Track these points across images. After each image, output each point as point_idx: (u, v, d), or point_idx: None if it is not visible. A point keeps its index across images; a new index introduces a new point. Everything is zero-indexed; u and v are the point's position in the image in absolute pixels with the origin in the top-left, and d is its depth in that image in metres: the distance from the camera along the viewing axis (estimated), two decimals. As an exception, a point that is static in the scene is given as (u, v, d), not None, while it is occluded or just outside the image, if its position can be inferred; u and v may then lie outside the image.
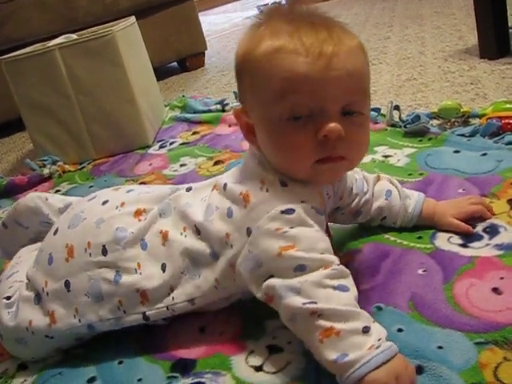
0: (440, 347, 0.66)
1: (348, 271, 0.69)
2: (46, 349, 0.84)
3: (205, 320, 0.81)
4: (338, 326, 0.62)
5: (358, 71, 0.71)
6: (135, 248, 0.80)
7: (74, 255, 0.82)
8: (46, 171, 1.67)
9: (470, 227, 0.86)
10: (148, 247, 0.80)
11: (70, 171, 1.70)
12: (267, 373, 0.70)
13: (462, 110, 1.29)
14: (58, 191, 1.55)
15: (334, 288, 0.66)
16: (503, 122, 1.17)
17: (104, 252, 0.80)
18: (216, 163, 1.43)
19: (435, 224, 0.89)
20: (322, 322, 0.63)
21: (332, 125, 0.68)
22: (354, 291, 0.67)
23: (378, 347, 0.61)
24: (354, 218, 0.92)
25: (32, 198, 0.98)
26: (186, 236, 0.79)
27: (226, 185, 0.78)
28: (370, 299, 0.77)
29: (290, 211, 0.70)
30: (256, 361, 0.72)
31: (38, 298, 0.83)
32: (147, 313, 0.79)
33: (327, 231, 0.82)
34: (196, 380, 0.72)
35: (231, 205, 0.75)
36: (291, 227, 0.70)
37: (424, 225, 0.90)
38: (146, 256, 0.80)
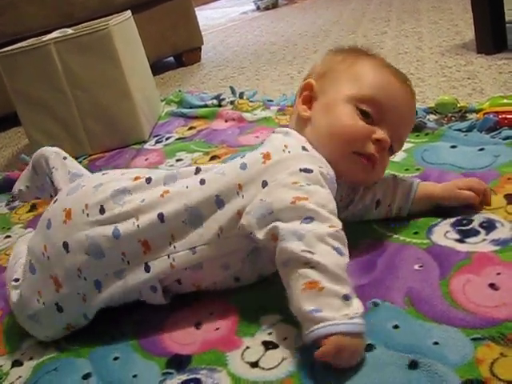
0: (436, 343, 0.66)
1: (346, 240, 0.71)
2: (57, 326, 0.84)
3: (200, 316, 0.81)
4: (324, 282, 0.65)
5: (408, 132, 0.92)
6: (132, 203, 0.81)
7: (71, 217, 0.83)
8: (41, 166, 1.66)
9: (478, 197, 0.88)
10: (145, 201, 0.81)
11: (65, 166, 1.69)
12: (263, 369, 0.69)
13: (458, 105, 1.29)
14: (53, 186, 1.54)
15: (334, 248, 0.68)
16: (500, 117, 1.17)
17: (102, 211, 0.81)
18: (212, 158, 1.42)
19: (441, 200, 0.90)
20: (312, 274, 0.66)
21: (387, 137, 0.82)
22: (347, 259, 0.69)
23: (351, 318, 0.64)
24: (345, 208, 0.92)
25: (51, 150, 1.03)
26: (187, 187, 0.81)
27: (244, 155, 0.83)
28: (366, 295, 0.76)
29: (309, 170, 0.75)
30: (252, 357, 0.72)
31: (39, 266, 0.83)
32: (149, 263, 0.79)
33: None
34: (191, 376, 0.71)
35: (246, 161, 0.80)
36: (308, 184, 0.74)
37: (422, 207, 0.91)
38: (144, 208, 0.80)
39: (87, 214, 0.82)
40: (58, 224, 0.83)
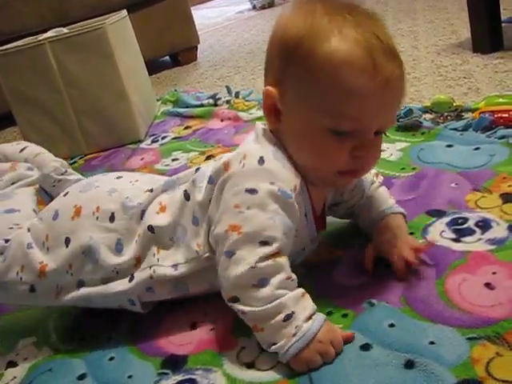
0: (432, 342, 0.66)
1: (279, 261, 0.69)
2: (20, 300, 0.87)
3: (196, 316, 0.81)
4: (260, 324, 0.68)
5: (401, 100, 0.74)
6: (138, 220, 0.81)
7: (80, 215, 0.83)
8: (37, 166, 1.66)
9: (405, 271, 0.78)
10: (145, 216, 0.81)
11: (61, 166, 1.68)
12: (259, 370, 0.69)
13: (454, 105, 1.29)
14: (49, 186, 1.54)
15: (253, 285, 0.68)
16: (496, 116, 1.17)
17: (111, 219, 0.82)
18: (208, 158, 1.42)
19: (388, 240, 0.81)
20: (247, 320, 0.70)
21: (371, 147, 0.73)
22: (280, 277, 0.68)
23: (295, 334, 0.67)
24: (348, 217, 0.92)
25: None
26: (178, 208, 0.80)
27: (221, 157, 0.80)
28: (362, 294, 0.76)
29: (254, 191, 0.70)
30: (248, 357, 0.72)
31: (35, 248, 0.84)
32: (134, 273, 0.80)
33: (321, 221, 0.82)
34: (187, 376, 0.71)
35: (215, 172, 0.77)
36: (248, 207, 0.70)
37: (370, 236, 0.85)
38: (143, 225, 0.81)
39: (97, 218, 0.82)
40: (66, 218, 0.84)
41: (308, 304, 0.69)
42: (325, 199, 0.83)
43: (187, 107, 1.87)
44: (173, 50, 2.75)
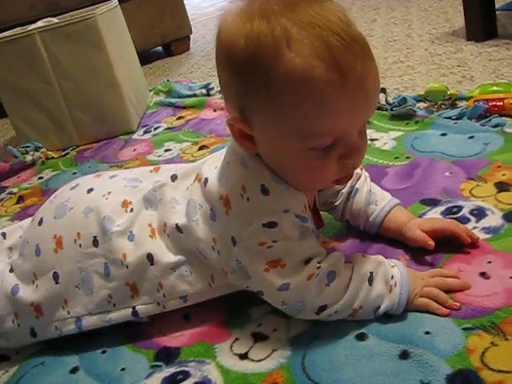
0: (427, 332, 0.65)
1: (332, 256, 0.71)
2: (25, 343, 0.82)
3: (188, 308, 0.80)
4: (356, 305, 0.69)
5: (378, 88, 0.67)
6: (122, 239, 0.78)
7: (62, 246, 0.80)
8: (28, 158, 1.65)
9: (432, 242, 0.76)
10: (135, 239, 0.78)
11: (53, 158, 1.68)
12: (252, 361, 0.69)
13: (448, 93, 1.29)
14: (40, 178, 1.53)
15: (326, 285, 0.69)
16: (490, 104, 1.16)
17: (95, 243, 0.79)
18: (201, 148, 1.41)
19: (402, 237, 0.81)
20: (344, 314, 0.70)
21: (358, 151, 0.66)
22: (339, 262, 0.71)
23: (393, 286, 0.69)
24: (327, 209, 0.89)
25: None
26: (169, 235, 0.77)
27: (206, 180, 0.74)
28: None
29: (273, 224, 0.68)
30: (241, 349, 0.71)
31: (22, 290, 0.81)
32: (137, 307, 0.77)
33: (317, 219, 0.81)
34: (180, 369, 0.71)
35: (213, 207, 0.73)
36: (274, 241, 0.68)
37: (390, 237, 0.83)
38: (133, 247, 0.78)
39: (80, 245, 0.79)
40: (49, 252, 0.80)
41: (374, 259, 0.72)
42: (315, 195, 0.81)
43: (180, 97, 1.86)
44: (165, 40, 2.72)
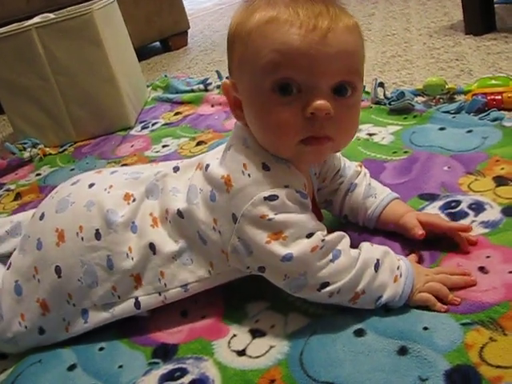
0: (426, 328, 0.65)
1: (338, 234, 0.71)
2: (33, 345, 0.81)
3: (186, 304, 0.79)
4: (359, 289, 0.69)
5: (353, 50, 0.68)
6: (126, 231, 0.78)
7: (64, 239, 0.79)
8: (26, 154, 1.65)
9: (422, 231, 0.77)
10: (138, 229, 0.78)
11: (50, 154, 1.67)
12: (250, 357, 0.69)
13: (447, 87, 1.28)
14: (38, 175, 1.53)
15: (331, 261, 0.68)
16: (489, 98, 1.16)
17: (98, 236, 0.78)
18: (198, 144, 1.40)
19: (397, 228, 0.82)
20: (346, 295, 0.69)
21: (321, 102, 0.65)
22: (344, 243, 0.71)
23: (399, 276, 0.70)
24: (325, 206, 0.90)
25: None
26: (170, 221, 0.77)
27: (208, 165, 0.76)
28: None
29: (274, 197, 0.68)
30: (238, 345, 0.71)
31: (27, 288, 0.80)
32: (139, 298, 0.77)
33: (317, 212, 0.80)
34: (178, 366, 0.70)
35: (213, 188, 0.73)
36: (275, 213, 0.68)
37: (388, 231, 0.83)
38: (136, 239, 0.78)
39: (82, 238, 0.79)
40: (50, 246, 0.80)
41: (381, 248, 0.72)
42: (313, 189, 0.82)
43: (177, 93, 1.85)
44: (163, 36, 2.72)
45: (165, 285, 0.77)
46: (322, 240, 0.69)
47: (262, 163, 0.71)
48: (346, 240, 0.72)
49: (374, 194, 0.85)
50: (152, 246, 0.77)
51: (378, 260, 0.70)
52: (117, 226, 0.78)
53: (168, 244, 0.77)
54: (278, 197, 0.68)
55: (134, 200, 0.81)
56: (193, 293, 0.77)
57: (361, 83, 0.72)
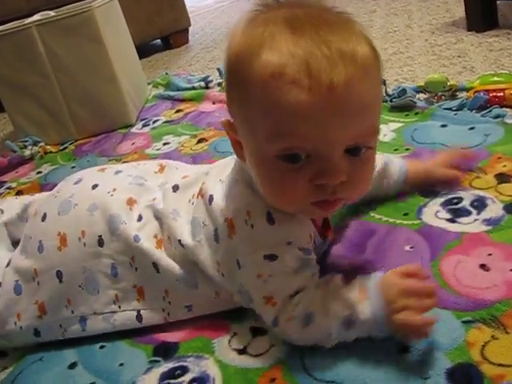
0: (427, 326, 0.64)
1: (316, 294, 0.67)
2: (28, 343, 0.82)
3: (187, 302, 0.79)
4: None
5: (370, 103, 0.60)
6: (129, 240, 0.77)
7: (66, 244, 0.79)
8: (27, 152, 1.65)
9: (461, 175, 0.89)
10: (141, 240, 0.77)
11: (51, 152, 1.67)
12: (251, 355, 0.68)
13: (449, 84, 1.28)
14: (39, 173, 1.53)
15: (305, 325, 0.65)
16: (491, 95, 1.15)
17: (100, 243, 0.78)
18: (199, 141, 1.40)
19: (431, 180, 0.89)
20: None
21: (334, 172, 0.60)
22: (318, 306, 0.65)
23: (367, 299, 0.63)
24: None
25: None
26: (175, 248, 0.76)
27: (211, 198, 0.73)
28: (355, 277, 0.75)
29: (273, 257, 0.67)
30: (239, 343, 0.71)
31: (26, 289, 0.80)
32: (141, 311, 0.77)
33: (328, 232, 0.79)
34: (178, 364, 0.70)
35: (217, 228, 0.71)
36: (269, 275, 0.67)
37: (409, 188, 0.90)
38: (140, 254, 0.77)
39: (84, 244, 0.78)
40: (52, 250, 0.79)
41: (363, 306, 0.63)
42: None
43: (178, 90, 1.85)
44: (164, 33, 2.71)
45: (169, 303, 0.76)
46: (297, 304, 0.65)
47: (267, 213, 0.67)
48: (312, 294, 0.67)
49: (391, 161, 0.89)
50: (155, 265, 0.76)
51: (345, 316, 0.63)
52: (119, 234, 0.77)
53: (172, 267, 0.75)
54: (277, 257, 0.67)
55: (140, 218, 0.79)
56: (197, 314, 0.76)
57: (377, 137, 0.65)
